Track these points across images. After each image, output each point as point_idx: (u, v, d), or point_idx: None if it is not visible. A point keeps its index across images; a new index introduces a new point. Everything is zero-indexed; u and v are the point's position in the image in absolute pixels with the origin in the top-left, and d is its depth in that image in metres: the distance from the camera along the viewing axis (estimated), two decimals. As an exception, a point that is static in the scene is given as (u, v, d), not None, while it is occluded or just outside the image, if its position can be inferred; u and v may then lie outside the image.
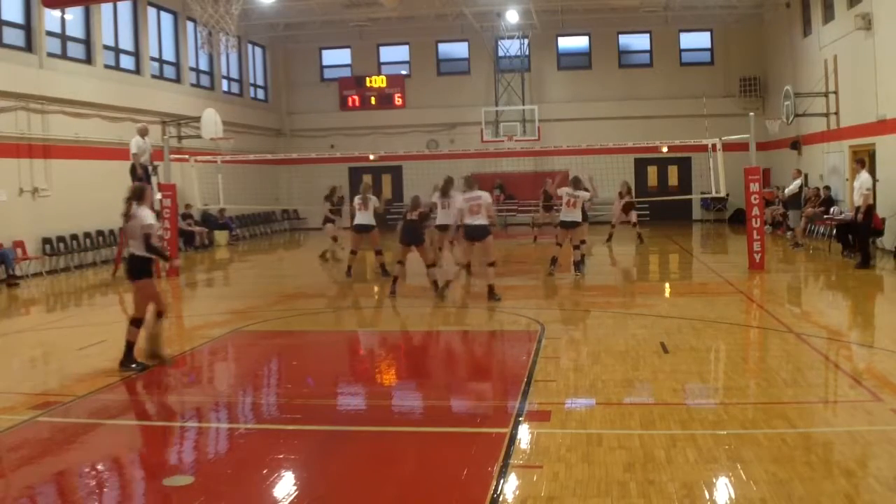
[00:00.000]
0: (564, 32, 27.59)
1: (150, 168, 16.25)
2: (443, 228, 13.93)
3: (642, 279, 15.90)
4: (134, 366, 7.77)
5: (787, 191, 18.33)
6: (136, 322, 7.87)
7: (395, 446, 5.75)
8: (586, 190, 13.95)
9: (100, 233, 18.28)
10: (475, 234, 11.76)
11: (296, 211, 28.64)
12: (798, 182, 17.90)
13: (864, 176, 13.94)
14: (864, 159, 15.29)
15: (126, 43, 20.30)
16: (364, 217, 14.45)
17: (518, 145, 25.13)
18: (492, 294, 11.44)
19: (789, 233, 18.83)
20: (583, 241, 14.37)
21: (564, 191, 13.71)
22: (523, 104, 26.97)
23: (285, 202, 27.93)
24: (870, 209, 13.95)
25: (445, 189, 13.74)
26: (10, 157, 15.94)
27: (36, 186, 16.49)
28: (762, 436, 5.43)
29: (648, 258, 19.32)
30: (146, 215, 7.87)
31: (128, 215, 7.87)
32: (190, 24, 22.16)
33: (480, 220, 11.60)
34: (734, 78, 26.31)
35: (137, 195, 7.93)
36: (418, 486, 4.93)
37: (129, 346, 7.83)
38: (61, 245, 17.14)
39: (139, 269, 7.93)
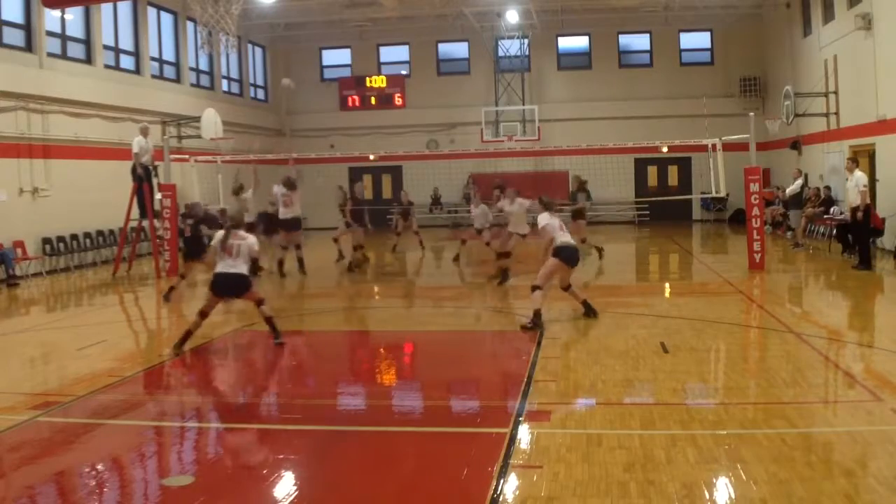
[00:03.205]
0: (564, 32, 27.58)
1: (150, 168, 16.26)
2: (287, 225, 14.65)
3: (642, 279, 15.90)
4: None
5: (788, 191, 18.31)
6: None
7: (395, 446, 5.75)
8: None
9: (100, 233, 18.27)
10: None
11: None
12: (799, 182, 17.89)
13: (859, 174, 13.92)
14: (857, 159, 15.32)
15: (126, 43, 20.30)
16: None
17: (518, 145, 25.12)
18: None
19: (789, 233, 18.82)
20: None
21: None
22: (523, 104, 26.97)
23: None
24: (866, 208, 13.91)
25: (291, 184, 14.44)
26: (10, 157, 15.94)
27: (36, 186, 16.49)
28: (762, 436, 5.43)
29: (649, 258, 19.31)
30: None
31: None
32: (190, 24, 22.15)
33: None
34: (734, 78, 26.30)
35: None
36: (418, 486, 4.93)
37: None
38: (61, 245, 17.13)
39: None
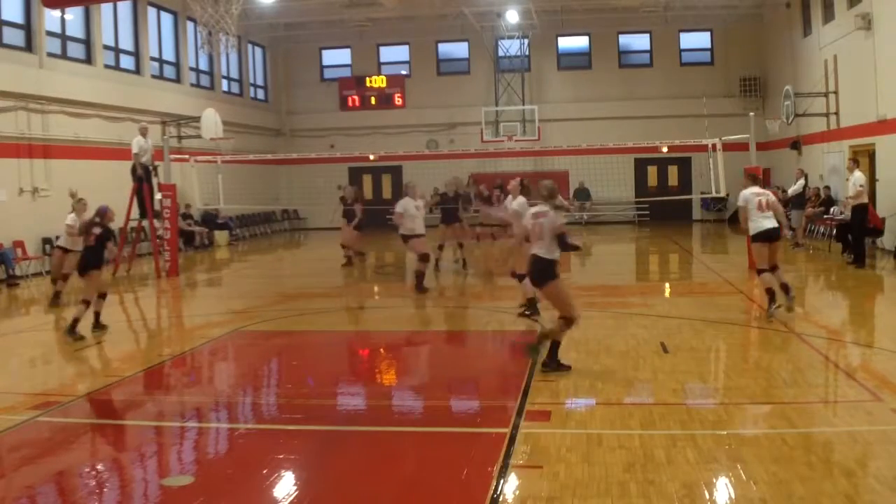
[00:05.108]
0: (564, 32, 27.57)
1: (150, 168, 16.26)
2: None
3: (642, 279, 15.90)
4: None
5: (791, 191, 18.32)
6: (567, 322, 7.23)
7: (395, 446, 5.75)
8: None
9: (100, 233, 18.24)
10: None
11: (296, 211, 28.67)
12: (802, 182, 17.91)
13: (858, 174, 13.97)
14: (858, 159, 15.36)
15: (126, 43, 20.29)
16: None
17: (518, 145, 25.11)
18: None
19: (790, 233, 18.80)
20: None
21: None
22: (523, 104, 26.96)
23: (285, 202, 27.94)
24: (864, 208, 13.92)
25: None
26: (10, 157, 15.93)
27: (36, 186, 16.49)
28: (762, 436, 5.43)
29: (649, 258, 19.31)
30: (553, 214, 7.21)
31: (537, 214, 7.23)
32: (190, 24, 22.15)
33: None
34: (734, 78, 26.29)
35: (551, 194, 7.33)
36: (418, 486, 4.93)
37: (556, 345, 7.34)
38: (61, 245, 17.11)
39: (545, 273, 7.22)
